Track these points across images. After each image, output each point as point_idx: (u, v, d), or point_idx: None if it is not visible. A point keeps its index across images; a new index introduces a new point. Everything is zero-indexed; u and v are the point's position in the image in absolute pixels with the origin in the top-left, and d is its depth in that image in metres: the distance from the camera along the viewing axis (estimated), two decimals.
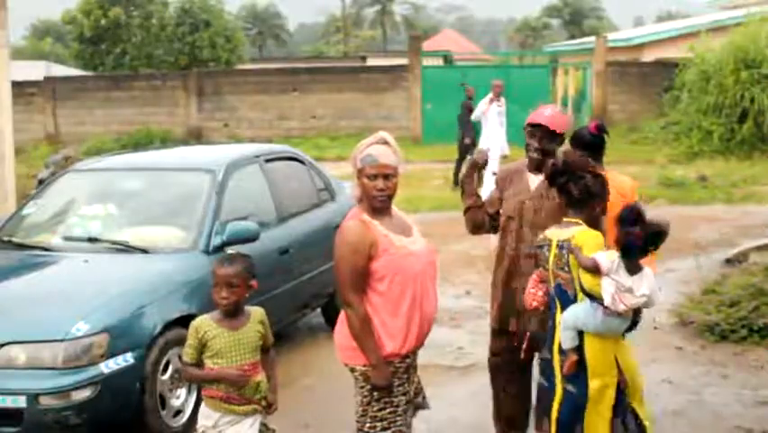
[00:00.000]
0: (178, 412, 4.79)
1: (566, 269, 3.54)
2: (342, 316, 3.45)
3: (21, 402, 4.12)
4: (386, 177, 3.34)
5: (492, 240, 5.16)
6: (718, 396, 5.29)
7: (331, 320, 6.36)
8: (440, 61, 29.20)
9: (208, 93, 22.74)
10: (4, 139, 9.46)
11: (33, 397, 4.11)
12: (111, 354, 4.32)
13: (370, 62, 32.92)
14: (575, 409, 3.54)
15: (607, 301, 3.38)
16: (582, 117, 22.59)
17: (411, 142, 20.12)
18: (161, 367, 4.61)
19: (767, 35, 17.52)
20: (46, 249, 5.37)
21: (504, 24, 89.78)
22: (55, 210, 5.92)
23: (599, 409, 3.51)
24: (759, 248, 8.70)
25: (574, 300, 3.55)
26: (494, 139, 12.82)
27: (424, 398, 3.65)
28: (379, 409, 3.39)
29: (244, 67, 31.70)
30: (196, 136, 21.97)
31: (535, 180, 4.00)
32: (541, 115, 4.01)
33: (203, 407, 3.57)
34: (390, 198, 3.40)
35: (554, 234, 3.62)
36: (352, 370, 3.42)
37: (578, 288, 3.52)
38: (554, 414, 3.59)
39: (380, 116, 21.36)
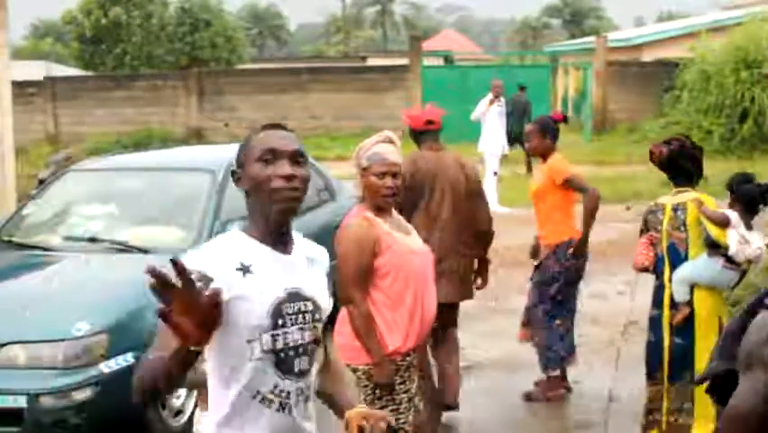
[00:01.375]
0: (179, 412, 4.79)
1: (682, 229, 4.17)
2: (341, 316, 3.46)
3: (21, 402, 4.12)
4: (393, 175, 3.37)
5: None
6: None
7: (333, 320, 6.36)
8: (440, 61, 29.19)
9: (209, 93, 22.72)
10: (5, 139, 9.45)
11: (34, 397, 4.12)
12: (111, 354, 4.31)
13: (371, 62, 32.89)
14: (684, 356, 4.12)
15: (732, 250, 4.02)
16: (583, 117, 22.60)
17: (411, 142, 20.12)
18: None
19: (767, 35, 17.51)
20: (46, 249, 5.37)
21: (504, 24, 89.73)
22: (55, 210, 5.92)
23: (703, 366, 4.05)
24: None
25: (685, 259, 4.16)
26: (494, 139, 12.86)
27: (420, 400, 3.65)
28: (382, 408, 3.39)
29: (245, 67, 31.69)
30: (196, 136, 21.96)
31: None
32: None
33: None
34: (396, 195, 3.43)
35: (667, 200, 4.30)
36: (354, 370, 3.42)
37: (694, 242, 4.15)
38: (666, 364, 4.17)
39: (381, 116, 21.32)
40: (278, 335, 2.07)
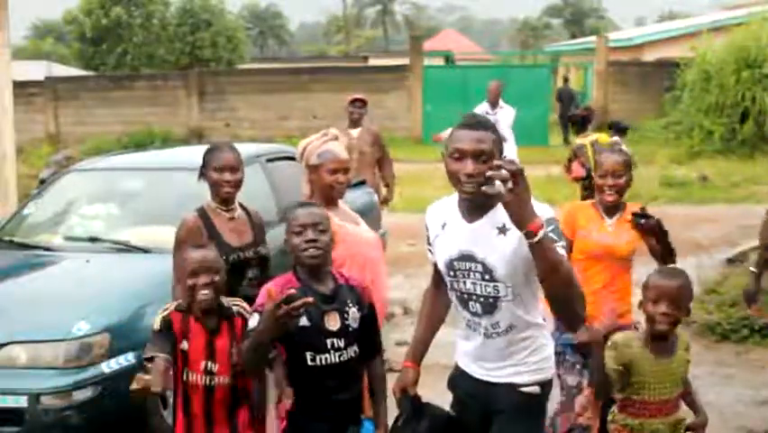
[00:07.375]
0: None
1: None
2: None
3: (22, 402, 4.11)
4: (345, 171, 3.62)
5: None
6: (721, 396, 5.29)
7: None
8: (441, 61, 29.18)
9: (209, 93, 22.71)
10: (5, 139, 9.43)
11: (34, 397, 4.11)
12: (112, 353, 4.31)
13: (372, 62, 32.90)
14: None
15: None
16: None
17: (412, 141, 20.11)
18: None
19: None
20: (47, 249, 5.36)
21: (505, 24, 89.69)
22: (56, 210, 5.91)
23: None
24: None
25: None
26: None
27: None
28: None
29: (246, 67, 31.68)
30: (197, 136, 21.96)
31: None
32: None
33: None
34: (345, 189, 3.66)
35: (583, 140, 7.86)
36: None
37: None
38: None
39: (381, 116, 21.32)
40: (454, 281, 2.74)
